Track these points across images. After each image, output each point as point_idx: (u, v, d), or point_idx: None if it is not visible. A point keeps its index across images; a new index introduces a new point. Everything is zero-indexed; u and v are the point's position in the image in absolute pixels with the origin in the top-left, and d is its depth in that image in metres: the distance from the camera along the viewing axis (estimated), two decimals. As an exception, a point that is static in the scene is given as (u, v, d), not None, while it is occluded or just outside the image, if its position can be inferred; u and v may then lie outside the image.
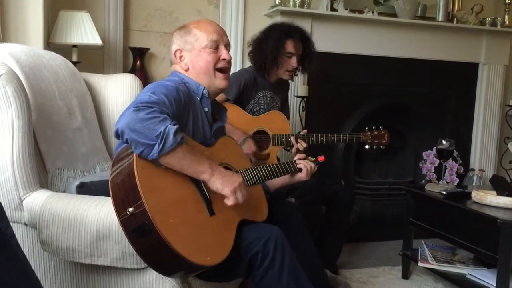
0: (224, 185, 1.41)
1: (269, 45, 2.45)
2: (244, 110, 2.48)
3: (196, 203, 1.41)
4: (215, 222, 1.42)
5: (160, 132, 1.29)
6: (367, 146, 2.48)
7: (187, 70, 1.66)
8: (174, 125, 1.33)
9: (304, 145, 2.40)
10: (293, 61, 2.49)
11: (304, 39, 2.53)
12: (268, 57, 2.45)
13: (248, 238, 1.45)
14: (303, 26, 2.62)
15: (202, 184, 1.44)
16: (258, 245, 1.42)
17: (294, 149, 2.42)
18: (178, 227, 1.30)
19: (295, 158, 1.93)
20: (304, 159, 1.92)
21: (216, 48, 1.65)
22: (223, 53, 1.66)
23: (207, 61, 1.64)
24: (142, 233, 1.25)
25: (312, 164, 1.91)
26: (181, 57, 1.67)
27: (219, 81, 1.67)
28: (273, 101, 2.58)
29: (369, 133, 2.47)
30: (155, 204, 1.27)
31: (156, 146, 1.29)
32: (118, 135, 1.33)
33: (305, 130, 2.50)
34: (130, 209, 1.25)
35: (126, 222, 1.27)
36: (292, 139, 2.41)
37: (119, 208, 1.28)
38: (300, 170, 1.88)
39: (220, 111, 1.79)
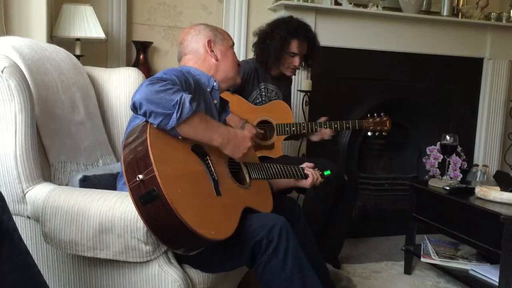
0: (235, 152, 1.52)
1: (273, 42, 2.44)
2: (247, 101, 2.47)
3: (204, 181, 1.43)
4: (221, 202, 1.43)
5: (177, 101, 1.34)
6: (369, 133, 2.51)
7: (217, 60, 1.73)
8: (188, 94, 1.38)
9: (330, 132, 2.45)
10: (296, 61, 2.48)
11: (310, 39, 2.51)
12: (270, 55, 2.44)
13: (253, 225, 1.45)
14: (307, 20, 2.61)
15: (211, 164, 1.47)
16: (263, 232, 1.43)
17: (317, 138, 2.45)
18: (186, 197, 1.32)
19: (304, 165, 1.93)
20: (313, 168, 1.93)
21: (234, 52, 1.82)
22: (239, 61, 1.82)
23: (233, 59, 1.78)
24: (149, 199, 1.26)
25: (319, 176, 1.91)
26: (211, 47, 1.73)
27: (239, 79, 1.84)
28: (275, 94, 2.58)
29: (371, 119, 2.50)
30: (165, 172, 1.29)
31: (174, 115, 1.33)
32: (135, 108, 1.37)
33: (325, 118, 2.50)
34: (140, 176, 1.27)
35: (135, 189, 1.29)
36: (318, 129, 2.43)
37: (130, 176, 1.31)
38: (306, 176, 1.89)
39: (223, 103, 1.81)
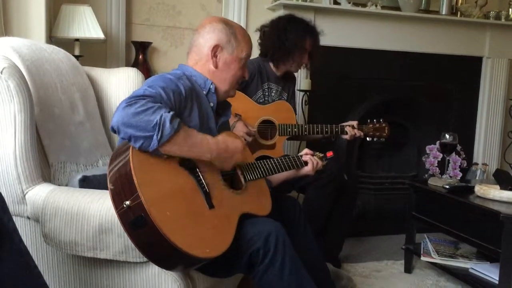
0: (224, 165, 1.49)
1: (289, 36, 2.45)
2: (251, 99, 2.47)
3: (194, 196, 1.40)
4: (214, 215, 1.41)
5: (156, 122, 1.28)
6: (368, 138, 2.52)
7: (216, 67, 1.62)
8: (168, 112, 1.32)
9: (360, 134, 2.46)
10: (305, 58, 2.53)
11: (317, 38, 2.55)
12: (284, 50, 2.46)
13: (249, 233, 1.44)
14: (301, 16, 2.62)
15: (201, 177, 1.43)
16: (259, 241, 1.41)
17: (348, 137, 2.45)
18: (175, 219, 1.30)
19: (302, 152, 1.92)
20: (312, 154, 1.91)
21: (244, 65, 1.67)
22: (246, 74, 1.70)
23: (234, 74, 1.65)
24: (138, 225, 1.24)
25: (319, 160, 1.89)
26: (215, 52, 1.61)
27: (234, 92, 1.71)
28: (278, 93, 2.58)
29: (371, 125, 2.51)
30: (151, 196, 1.26)
31: (155, 136, 1.29)
32: (114, 131, 1.33)
33: (356, 122, 2.50)
34: (127, 202, 1.25)
35: (123, 215, 1.27)
36: (348, 128, 2.44)
37: (117, 202, 1.28)
38: (306, 164, 1.87)
39: (224, 106, 1.77)
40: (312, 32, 2.51)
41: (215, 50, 1.60)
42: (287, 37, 2.46)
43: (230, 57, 1.62)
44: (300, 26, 2.49)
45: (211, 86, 1.63)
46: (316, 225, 2.28)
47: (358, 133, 2.46)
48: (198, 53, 1.63)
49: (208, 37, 1.61)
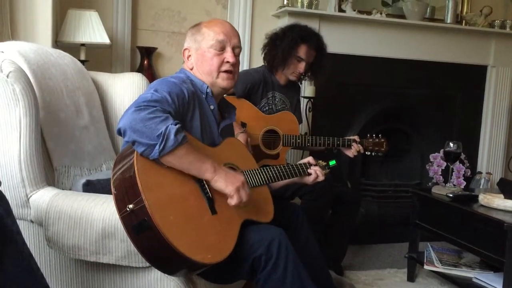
0: (227, 183, 1.41)
1: (282, 43, 2.45)
2: (257, 109, 2.48)
3: (197, 201, 1.40)
4: (217, 221, 1.41)
5: (161, 132, 1.29)
6: (367, 153, 2.53)
7: (191, 69, 1.67)
8: (175, 124, 1.33)
9: (361, 149, 2.47)
10: (301, 66, 2.49)
11: (318, 49, 2.51)
12: (278, 55, 2.46)
13: (251, 240, 1.44)
14: (311, 27, 2.61)
15: (204, 182, 1.43)
16: (261, 248, 1.41)
17: (351, 154, 2.47)
18: (178, 224, 1.30)
19: (305, 160, 1.90)
20: (315, 163, 1.90)
21: (221, 49, 1.62)
22: (228, 56, 1.62)
23: (210, 63, 1.62)
24: (141, 229, 1.25)
25: (321, 175, 1.87)
26: (188, 56, 1.68)
27: (221, 81, 1.64)
28: (283, 103, 2.58)
29: (370, 140, 2.52)
30: (155, 200, 1.27)
31: (157, 146, 1.30)
32: (120, 133, 1.35)
33: (357, 136, 2.53)
34: (130, 206, 1.25)
35: (126, 219, 1.27)
36: (355, 145, 2.45)
37: (120, 205, 1.29)
38: (309, 174, 1.86)
39: (229, 109, 1.78)
40: (309, 40, 2.46)
41: (186, 54, 1.68)
42: (281, 43, 2.45)
43: (199, 52, 1.64)
44: (297, 33, 2.45)
45: (208, 90, 1.65)
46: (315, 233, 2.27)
47: (359, 148, 2.47)
48: (184, 63, 1.71)
49: (183, 47, 1.70)
